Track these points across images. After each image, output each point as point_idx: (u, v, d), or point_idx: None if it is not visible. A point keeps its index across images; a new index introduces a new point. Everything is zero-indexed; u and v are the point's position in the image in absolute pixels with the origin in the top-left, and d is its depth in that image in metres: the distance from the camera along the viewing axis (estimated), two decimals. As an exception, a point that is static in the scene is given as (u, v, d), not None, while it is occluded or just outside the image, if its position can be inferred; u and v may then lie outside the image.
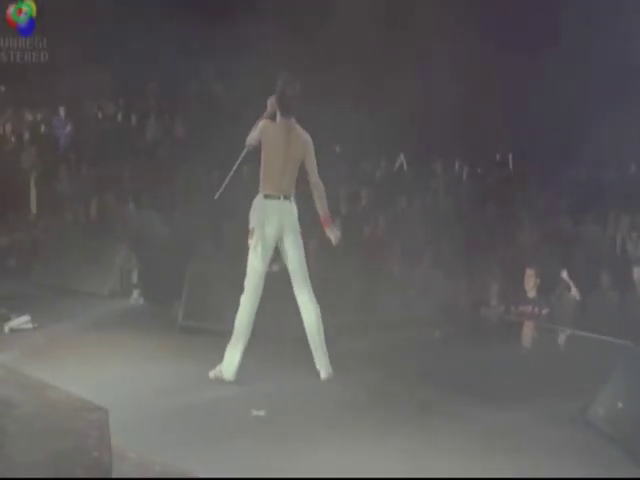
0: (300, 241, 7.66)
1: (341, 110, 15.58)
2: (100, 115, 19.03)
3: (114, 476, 4.13)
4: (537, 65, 15.57)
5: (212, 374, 7.43)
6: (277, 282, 7.81)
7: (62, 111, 18.05)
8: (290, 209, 7.60)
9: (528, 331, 9.38)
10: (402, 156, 16.35)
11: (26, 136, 17.38)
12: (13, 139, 17.36)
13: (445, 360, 8.61)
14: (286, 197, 7.56)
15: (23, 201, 14.77)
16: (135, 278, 11.60)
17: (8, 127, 17.50)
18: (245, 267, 7.61)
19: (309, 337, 7.57)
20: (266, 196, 7.56)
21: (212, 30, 17.92)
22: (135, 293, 11.31)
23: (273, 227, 7.52)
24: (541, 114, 15.71)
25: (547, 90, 15.77)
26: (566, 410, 7.06)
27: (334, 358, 7.66)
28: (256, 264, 7.56)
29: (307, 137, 7.61)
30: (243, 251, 12.19)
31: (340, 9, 15.81)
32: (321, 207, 7.72)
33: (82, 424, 4.49)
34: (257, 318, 7.56)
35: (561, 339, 9.14)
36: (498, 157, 16.76)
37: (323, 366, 7.54)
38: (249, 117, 16.84)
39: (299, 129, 7.61)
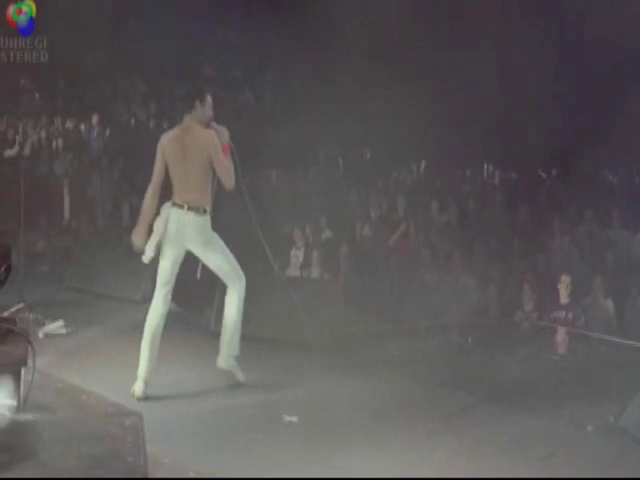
0: (212, 246, 7.34)
1: (372, 116, 15.60)
2: (132, 121, 19.12)
3: (149, 482, 4.15)
4: (569, 69, 15.49)
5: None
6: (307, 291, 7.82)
7: (95, 118, 18.16)
8: (188, 219, 7.19)
9: (562, 337, 9.31)
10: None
11: (59, 143, 17.48)
12: (47, 146, 17.45)
13: (477, 366, 8.58)
14: (181, 205, 7.20)
15: (56, 207, 14.86)
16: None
17: (42, 134, 17.61)
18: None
19: (223, 324, 7.60)
20: (173, 204, 7.25)
21: (242, 37, 18.03)
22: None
23: (161, 233, 7.27)
24: (572, 118, 15.63)
25: (579, 94, 15.68)
26: (599, 416, 7.02)
27: (365, 363, 7.66)
28: (160, 269, 7.34)
29: (208, 138, 7.17)
30: (275, 257, 12.28)
31: (371, 15, 15.81)
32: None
33: (117, 429, 4.54)
34: (287, 325, 7.59)
35: (594, 346, 9.08)
36: (533, 164, 16.65)
37: (221, 355, 7.52)
38: (277, 123, 16.92)
39: (200, 132, 7.20)
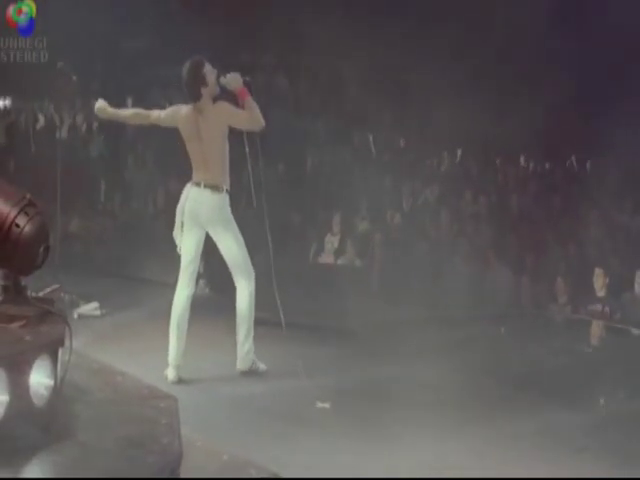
0: (228, 230, 7.22)
1: (406, 104, 15.54)
2: (167, 106, 19.17)
3: (183, 465, 4.16)
4: (602, 56, 15.35)
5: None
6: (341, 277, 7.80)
7: (129, 101, 18.21)
8: (205, 197, 7.16)
9: (597, 330, 9.25)
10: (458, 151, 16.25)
11: (95, 126, 17.56)
12: (82, 129, 17.55)
13: (510, 357, 8.55)
14: (207, 186, 7.17)
15: (91, 189, 14.94)
16: (201, 268, 11.64)
17: (78, 117, 17.70)
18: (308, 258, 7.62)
19: (237, 323, 7.43)
20: (192, 184, 7.27)
21: (278, 24, 17.99)
22: (201, 283, 11.36)
23: (187, 214, 7.23)
24: (609, 109, 15.49)
25: (616, 85, 15.55)
26: (633, 410, 6.98)
27: (398, 352, 7.64)
28: (182, 250, 7.31)
29: (217, 112, 7.08)
30: (309, 244, 12.30)
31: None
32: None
33: (152, 411, 4.55)
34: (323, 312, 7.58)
35: (630, 340, 9.02)
36: (569, 155, 16.53)
37: (239, 357, 7.39)
38: (312, 110, 16.87)
39: (206, 110, 7.12)
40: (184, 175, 15.08)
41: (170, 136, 16.70)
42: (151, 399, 4.74)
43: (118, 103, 18.25)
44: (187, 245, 7.26)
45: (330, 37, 15.49)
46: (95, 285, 10.24)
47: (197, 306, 10.29)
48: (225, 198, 7.19)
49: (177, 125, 7.30)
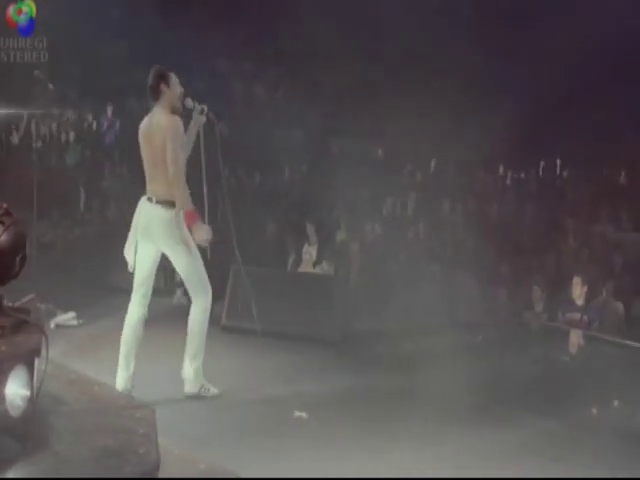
0: (183, 249, 6.73)
1: (385, 113, 15.58)
2: (144, 114, 19.13)
3: (160, 474, 4.14)
4: (588, 71, 15.48)
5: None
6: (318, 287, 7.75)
7: (109, 110, 18.19)
8: (156, 213, 6.72)
9: (575, 339, 9.27)
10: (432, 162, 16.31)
11: (71, 135, 17.52)
12: (58, 138, 17.49)
13: (486, 366, 8.56)
14: (150, 199, 6.76)
15: (68, 199, 14.88)
16: (179, 277, 11.62)
17: (54, 125, 17.64)
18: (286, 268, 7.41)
19: (187, 340, 7.02)
20: (145, 198, 6.90)
21: (256, 31, 18.02)
22: (178, 292, 11.33)
23: (139, 230, 6.83)
24: (584, 117, 15.62)
25: (590, 94, 15.68)
26: (609, 419, 7.02)
27: (375, 361, 7.64)
28: (136, 267, 6.89)
29: (167, 121, 6.67)
30: (286, 252, 12.29)
31: (392, 10, 15.78)
32: (179, 202, 6.65)
33: (129, 421, 4.52)
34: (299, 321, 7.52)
35: (605, 347, 9.05)
36: (542, 163, 16.63)
37: (186, 379, 6.97)
38: (292, 118, 16.90)
39: (159, 116, 6.73)
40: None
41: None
42: (128, 409, 4.72)
43: (97, 111, 18.33)
44: (140, 262, 6.85)
45: (309, 47, 15.56)
46: (72, 295, 10.20)
47: (175, 315, 10.33)
48: (178, 214, 6.70)
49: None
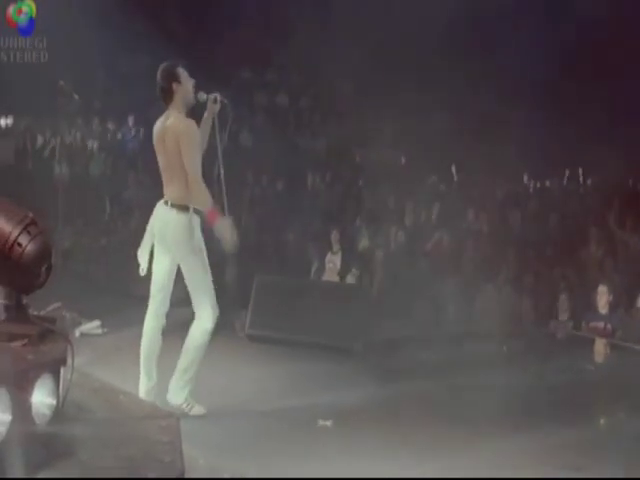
0: (195, 258, 6.53)
1: (408, 122, 15.57)
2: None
3: (185, 483, 4.16)
4: (611, 82, 15.42)
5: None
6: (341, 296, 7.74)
7: (130, 119, 18.27)
8: (171, 217, 6.52)
9: (599, 347, 9.24)
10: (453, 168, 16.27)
11: (95, 144, 17.63)
12: (83, 147, 17.59)
13: (511, 375, 8.52)
14: (166, 202, 6.54)
15: (92, 208, 14.97)
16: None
17: (78, 135, 17.75)
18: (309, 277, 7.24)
19: (182, 352, 6.74)
20: (161, 202, 6.67)
21: (278, 41, 18.06)
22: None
23: (153, 233, 6.63)
24: (611, 126, 15.55)
25: (617, 103, 15.62)
26: (632, 428, 6.96)
27: (400, 370, 7.61)
28: (153, 275, 6.72)
29: (181, 126, 6.47)
30: (309, 260, 12.30)
31: (414, 15, 15.76)
32: (200, 203, 6.48)
33: (154, 430, 4.54)
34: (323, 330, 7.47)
35: (631, 357, 9.00)
36: (567, 172, 16.56)
37: (171, 389, 6.68)
38: (314, 127, 16.90)
39: (173, 119, 6.52)
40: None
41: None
42: (153, 418, 4.74)
43: (119, 121, 18.42)
44: (156, 270, 6.65)
45: (331, 55, 15.56)
46: (97, 303, 10.23)
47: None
48: (194, 220, 6.51)
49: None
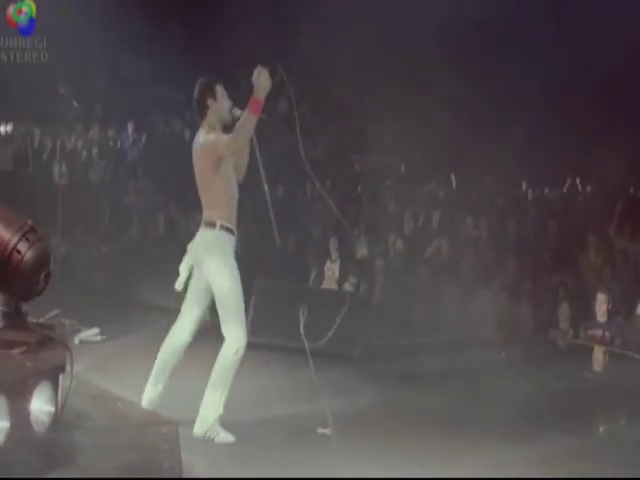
0: (219, 274, 6.39)
1: (406, 129, 15.59)
2: (167, 131, 19.25)
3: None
4: (612, 89, 15.44)
5: None
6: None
7: (130, 126, 18.29)
8: (200, 235, 6.49)
9: (597, 356, 9.24)
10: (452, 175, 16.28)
11: (95, 151, 17.64)
12: (83, 154, 17.60)
13: (511, 382, 8.52)
14: (203, 223, 6.48)
15: (91, 214, 14.98)
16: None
17: (79, 142, 17.76)
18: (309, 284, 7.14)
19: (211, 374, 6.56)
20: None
21: (278, 47, 18.07)
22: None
23: (193, 256, 6.59)
24: (611, 134, 15.57)
25: (612, 111, 15.64)
26: (632, 436, 6.97)
27: (399, 377, 7.61)
28: (187, 292, 6.65)
29: (208, 140, 6.39)
30: (308, 267, 12.30)
31: (403, 22, 15.79)
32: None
33: (153, 437, 4.55)
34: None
35: (630, 365, 9.01)
36: (568, 180, 16.58)
37: (198, 417, 6.43)
38: (312, 133, 16.90)
39: (202, 137, 6.46)
40: (184, 201, 15.20)
41: (170, 161, 16.81)
42: (152, 425, 4.75)
43: (119, 127, 18.44)
44: (190, 287, 6.60)
45: (331, 62, 15.58)
46: (96, 310, 10.23)
47: (203, 331, 10.35)
48: (221, 236, 6.41)
49: None
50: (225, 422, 6.48)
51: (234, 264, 6.44)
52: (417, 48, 15.49)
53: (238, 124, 6.29)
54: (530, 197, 16.23)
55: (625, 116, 15.37)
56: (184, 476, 4.33)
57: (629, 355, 9.14)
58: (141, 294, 11.49)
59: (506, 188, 15.89)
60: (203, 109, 6.51)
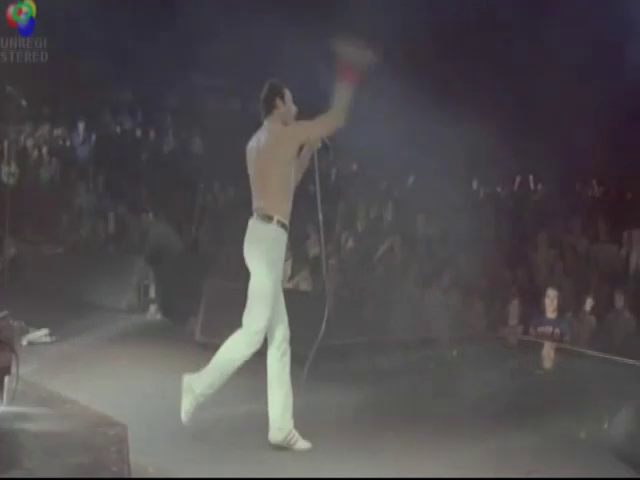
0: (260, 268, 6.35)
1: (358, 127, 15.59)
2: (118, 130, 19.13)
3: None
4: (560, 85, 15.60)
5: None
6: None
7: (81, 126, 18.15)
8: (256, 229, 6.41)
9: (547, 352, 9.32)
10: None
11: (45, 150, 17.47)
12: (32, 153, 17.43)
13: (461, 380, 8.56)
14: (258, 215, 6.38)
15: (41, 215, 14.82)
16: (152, 293, 11.61)
17: (28, 141, 17.59)
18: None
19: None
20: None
21: (230, 46, 18.01)
22: (152, 308, 11.32)
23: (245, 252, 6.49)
24: (552, 131, 15.75)
25: (566, 109, 15.80)
26: (582, 431, 7.04)
27: (351, 376, 7.60)
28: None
29: (281, 130, 6.42)
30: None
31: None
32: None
33: (101, 439, 4.51)
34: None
35: (579, 360, 9.10)
36: (518, 178, 16.74)
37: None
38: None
39: (271, 128, 6.46)
40: (134, 201, 15.10)
41: (121, 161, 16.67)
42: (100, 427, 4.70)
43: (69, 128, 18.27)
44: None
45: (283, 60, 15.54)
46: (45, 311, 10.13)
47: (148, 332, 10.30)
48: (279, 232, 6.37)
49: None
50: (176, 421, 6.44)
51: (280, 262, 6.46)
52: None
53: (335, 101, 6.30)
54: (482, 195, 16.36)
55: (571, 115, 15.54)
56: (135, 477, 4.30)
57: (578, 351, 9.22)
58: (91, 295, 11.40)
59: (457, 186, 15.99)
60: (271, 107, 6.50)
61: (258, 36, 16.98)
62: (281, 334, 6.56)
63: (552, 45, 15.02)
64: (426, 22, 15.72)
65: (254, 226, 6.39)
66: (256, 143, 6.49)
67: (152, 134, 18.99)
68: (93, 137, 18.14)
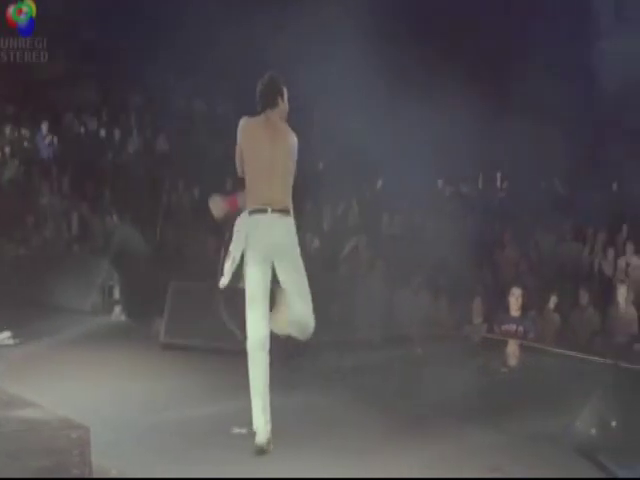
0: (299, 263, 6.44)
1: (324, 126, 15.62)
2: (82, 130, 19.00)
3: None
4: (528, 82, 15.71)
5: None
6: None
7: (44, 126, 18.02)
8: (284, 224, 6.33)
9: (511, 350, 9.35)
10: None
11: (8, 150, 17.33)
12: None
13: (426, 378, 8.59)
14: (275, 210, 6.26)
15: (4, 215, 14.69)
16: (117, 294, 11.57)
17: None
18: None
19: None
20: (251, 212, 6.32)
21: (196, 47, 17.98)
22: (117, 309, 11.29)
23: (256, 246, 6.34)
24: (520, 128, 15.82)
25: (531, 106, 15.91)
26: (547, 429, 7.06)
27: (316, 375, 7.59)
28: (248, 291, 6.51)
29: (294, 139, 6.41)
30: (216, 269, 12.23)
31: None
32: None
33: (63, 442, 4.48)
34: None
35: (543, 358, 9.14)
36: (481, 175, 16.81)
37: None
38: (230, 133, 16.86)
39: (283, 125, 6.43)
40: (98, 201, 15.01)
41: (85, 161, 16.56)
42: (63, 429, 4.66)
43: (33, 128, 18.14)
44: (255, 280, 6.43)
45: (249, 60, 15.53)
46: (8, 313, 10.03)
47: (113, 333, 10.25)
48: (294, 224, 6.41)
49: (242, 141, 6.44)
50: (140, 423, 6.42)
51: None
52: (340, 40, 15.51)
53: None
54: (447, 194, 16.41)
55: (540, 110, 15.64)
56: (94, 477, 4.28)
57: (542, 349, 9.26)
58: (55, 296, 11.33)
59: (423, 185, 16.04)
60: (274, 101, 6.44)
61: (225, 36, 16.96)
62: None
63: (521, 44, 15.13)
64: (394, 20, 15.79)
65: (281, 221, 6.32)
66: (268, 133, 6.33)
67: (117, 134, 18.89)
68: (56, 136, 18.02)
